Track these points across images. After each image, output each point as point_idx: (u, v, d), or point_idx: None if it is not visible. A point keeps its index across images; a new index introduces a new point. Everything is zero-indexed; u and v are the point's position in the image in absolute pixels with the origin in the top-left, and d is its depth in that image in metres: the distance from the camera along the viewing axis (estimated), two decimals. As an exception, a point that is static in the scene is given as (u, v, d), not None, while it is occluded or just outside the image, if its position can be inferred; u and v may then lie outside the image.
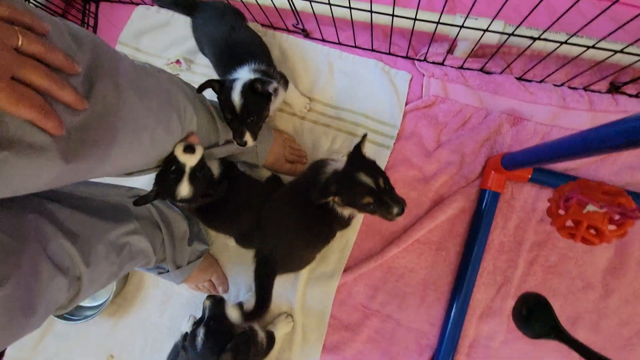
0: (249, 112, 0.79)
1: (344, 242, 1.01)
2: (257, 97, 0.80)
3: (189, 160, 0.70)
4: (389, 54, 1.06)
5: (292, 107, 1.06)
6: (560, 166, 0.93)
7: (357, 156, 0.72)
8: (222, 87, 0.80)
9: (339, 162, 0.76)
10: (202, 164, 0.73)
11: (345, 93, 1.07)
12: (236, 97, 0.78)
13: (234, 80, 0.80)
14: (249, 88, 0.79)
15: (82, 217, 0.68)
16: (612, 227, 0.54)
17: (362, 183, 0.68)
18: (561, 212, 0.57)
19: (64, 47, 0.43)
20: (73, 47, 0.45)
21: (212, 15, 0.98)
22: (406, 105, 1.03)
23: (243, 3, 1.05)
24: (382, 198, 0.68)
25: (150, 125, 0.57)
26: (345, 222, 0.80)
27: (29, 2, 1.16)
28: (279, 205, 0.86)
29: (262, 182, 1.00)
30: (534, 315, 0.58)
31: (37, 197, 0.62)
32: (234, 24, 0.95)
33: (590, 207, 0.53)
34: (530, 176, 0.91)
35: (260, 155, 0.96)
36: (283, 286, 1.03)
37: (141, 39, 1.23)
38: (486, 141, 0.98)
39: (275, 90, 0.84)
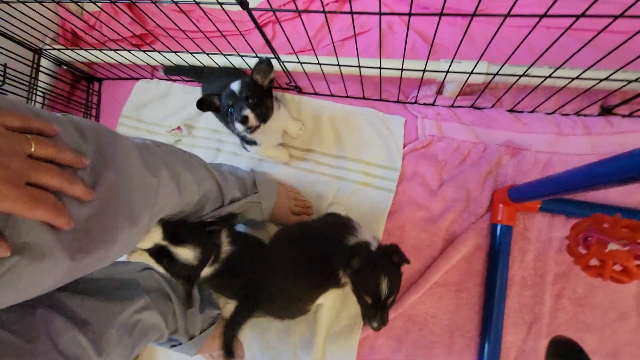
0: (250, 95, 0.84)
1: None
2: (259, 86, 0.87)
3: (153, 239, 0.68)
4: (381, 100, 1.10)
5: (288, 131, 1.09)
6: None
7: (390, 259, 0.70)
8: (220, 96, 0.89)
9: (373, 241, 0.76)
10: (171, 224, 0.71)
11: (343, 142, 1.09)
12: (235, 86, 0.85)
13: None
14: (250, 79, 0.87)
15: (93, 303, 0.66)
16: (639, 262, 0.52)
17: (378, 284, 0.66)
18: (582, 250, 0.55)
19: (71, 143, 0.45)
20: (79, 141, 0.46)
21: (220, 73, 1.08)
22: (404, 147, 1.04)
23: (236, 67, 1.10)
24: (378, 308, 0.67)
25: (149, 203, 0.57)
26: (339, 285, 0.78)
27: (37, 91, 1.23)
28: (284, 243, 0.87)
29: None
30: (573, 366, 0.54)
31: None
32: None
33: (613, 245, 0.51)
34: (540, 206, 0.90)
35: (265, 211, 0.96)
36: (299, 346, 0.98)
37: (143, 111, 1.29)
38: (489, 174, 0.98)
39: (272, 80, 0.89)
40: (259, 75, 0.89)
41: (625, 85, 0.81)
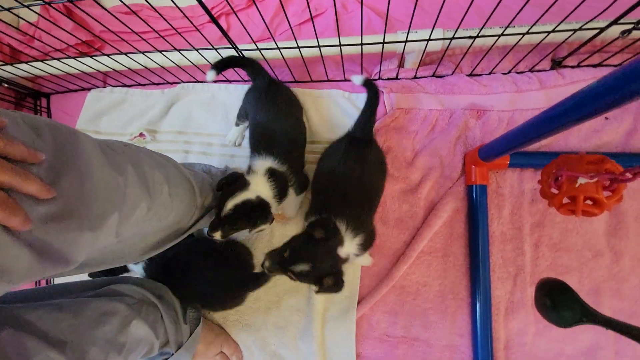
0: (231, 222, 0.78)
1: (352, 273, 0.97)
2: (245, 217, 0.78)
3: None
4: (345, 80, 1.10)
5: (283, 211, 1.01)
6: (533, 146, 0.96)
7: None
8: None
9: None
10: None
11: (314, 126, 1.08)
12: (228, 204, 0.77)
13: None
14: (242, 204, 0.77)
15: (68, 321, 0.61)
16: (607, 193, 0.55)
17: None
18: (554, 191, 0.57)
19: (23, 138, 0.41)
20: (32, 136, 0.42)
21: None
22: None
23: (194, 65, 1.06)
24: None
25: (117, 204, 0.54)
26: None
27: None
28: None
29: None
30: (560, 304, 0.56)
31: (9, 308, 0.55)
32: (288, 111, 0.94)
33: (581, 180, 0.54)
34: (509, 162, 0.93)
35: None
36: (298, 337, 0.96)
37: (99, 122, 1.22)
38: (458, 139, 1.00)
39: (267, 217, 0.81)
40: None
41: (571, 35, 0.86)
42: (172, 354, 0.89)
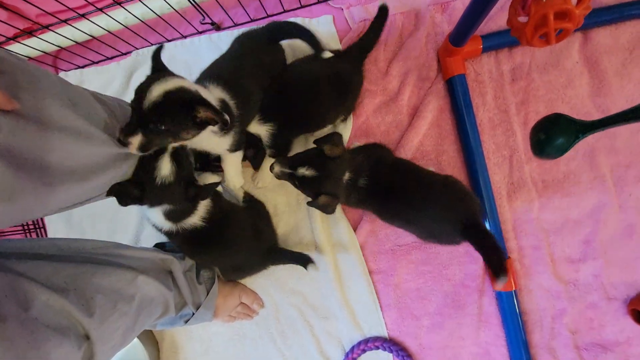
0: (159, 117, 0.58)
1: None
2: (180, 107, 0.60)
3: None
4: (302, 6, 1.05)
5: (226, 180, 0.94)
6: (501, 23, 0.93)
7: None
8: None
9: None
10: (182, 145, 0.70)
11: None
12: (154, 90, 0.57)
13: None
14: (176, 90, 0.59)
15: (70, 270, 0.59)
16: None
17: None
18: (523, 19, 0.55)
19: None
20: None
21: None
22: (341, 42, 1.01)
23: (142, 21, 1.01)
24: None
25: (83, 131, 0.51)
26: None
27: None
28: None
29: (243, 207, 0.95)
30: (553, 133, 0.55)
31: (2, 261, 0.53)
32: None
33: (547, -2, 0.51)
34: (481, 47, 0.91)
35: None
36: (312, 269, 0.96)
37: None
38: (428, 37, 0.98)
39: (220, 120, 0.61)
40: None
41: None
42: (193, 314, 0.89)
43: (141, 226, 1.08)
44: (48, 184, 0.45)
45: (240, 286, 1.02)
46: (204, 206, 0.79)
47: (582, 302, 0.89)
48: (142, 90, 0.58)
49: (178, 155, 0.69)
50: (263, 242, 0.91)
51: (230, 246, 0.85)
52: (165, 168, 0.67)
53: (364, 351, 0.94)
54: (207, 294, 0.92)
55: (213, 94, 0.71)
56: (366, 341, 0.94)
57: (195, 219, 0.78)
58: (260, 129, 0.86)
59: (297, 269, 0.92)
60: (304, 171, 0.73)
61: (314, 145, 0.75)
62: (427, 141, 0.96)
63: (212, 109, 0.61)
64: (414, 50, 0.97)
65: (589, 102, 0.91)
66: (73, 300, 0.54)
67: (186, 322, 0.90)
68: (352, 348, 0.95)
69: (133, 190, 0.66)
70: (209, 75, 0.77)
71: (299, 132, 0.93)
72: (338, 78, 0.84)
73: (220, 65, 0.83)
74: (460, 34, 0.82)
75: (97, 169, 0.55)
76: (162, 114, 0.58)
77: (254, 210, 0.96)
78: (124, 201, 0.65)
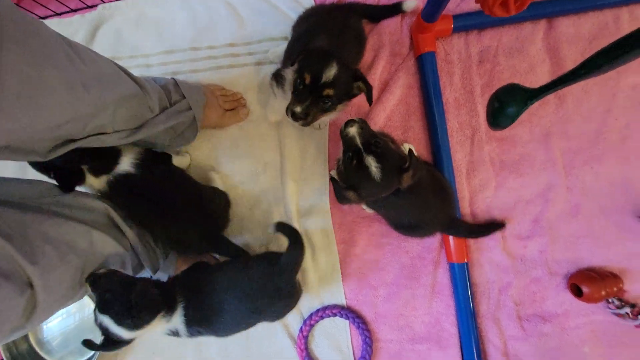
0: (335, 87, 0.68)
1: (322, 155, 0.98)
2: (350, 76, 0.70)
3: None
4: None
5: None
6: (473, 5, 0.95)
7: None
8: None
9: None
10: None
11: (244, 26, 1.04)
12: (330, 68, 0.66)
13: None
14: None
15: (15, 215, 0.57)
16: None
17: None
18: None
19: None
20: None
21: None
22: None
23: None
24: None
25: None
26: None
27: None
28: None
29: (204, 185, 0.92)
30: (505, 100, 0.58)
31: None
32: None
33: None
34: (452, 26, 0.93)
35: (197, 116, 0.88)
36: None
37: None
38: (404, 14, 0.98)
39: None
40: None
41: None
42: (151, 277, 0.87)
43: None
44: None
45: (204, 255, 1.01)
46: (129, 151, 0.80)
47: (527, 276, 0.94)
48: (305, 65, 0.69)
49: None
50: (210, 224, 0.87)
51: (169, 211, 0.81)
52: None
53: (322, 317, 0.96)
54: (165, 258, 0.91)
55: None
56: (324, 308, 0.97)
57: (125, 166, 0.78)
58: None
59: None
60: (372, 159, 0.66)
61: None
62: (394, 117, 0.98)
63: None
64: (390, 25, 0.98)
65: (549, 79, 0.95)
66: (17, 246, 0.52)
67: None
68: (311, 315, 0.97)
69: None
70: None
71: None
72: (358, 32, 0.85)
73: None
74: (432, 10, 0.83)
75: None
76: (341, 91, 0.70)
77: (214, 191, 0.94)
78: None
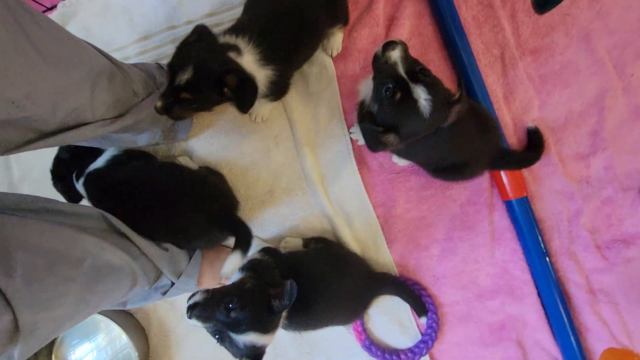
0: (189, 90, 0.61)
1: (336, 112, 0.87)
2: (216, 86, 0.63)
3: None
4: None
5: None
6: None
7: None
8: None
9: None
10: None
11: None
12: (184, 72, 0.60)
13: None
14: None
15: None
16: None
17: None
18: None
19: None
20: None
21: None
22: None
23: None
24: None
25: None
26: None
27: None
28: None
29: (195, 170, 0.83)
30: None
31: None
32: None
33: None
34: None
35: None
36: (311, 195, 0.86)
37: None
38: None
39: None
40: None
41: None
42: (173, 284, 0.76)
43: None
44: None
45: (226, 251, 0.90)
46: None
47: (597, 199, 0.82)
48: (177, 61, 0.62)
49: None
50: (214, 206, 0.76)
51: (166, 204, 0.71)
52: None
53: (374, 293, 0.85)
54: (190, 260, 0.80)
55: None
56: (375, 282, 0.85)
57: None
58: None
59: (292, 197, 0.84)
60: (422, 90, 0.55)
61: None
62: (411, 51, 0.86)
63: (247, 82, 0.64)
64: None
65: (576, -17, 0.83)
66: None
67: (164, 293, 0.78)
68: (361, 292, 0.85)
69: None
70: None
71: (297, 52, 0.76)
72: None
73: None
74: None
75: None
76: (194, 86, 0.62)
77: (208, 171, 0.85)
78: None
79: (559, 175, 0.82)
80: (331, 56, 0.87)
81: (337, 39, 0.83)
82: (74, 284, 0.52)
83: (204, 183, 0.78)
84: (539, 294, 0.82)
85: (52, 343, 0.91)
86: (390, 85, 0.57)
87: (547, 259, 0.81)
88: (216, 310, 0.53)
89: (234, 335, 0.53)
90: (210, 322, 0.53)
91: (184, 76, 0.60)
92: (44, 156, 0.96)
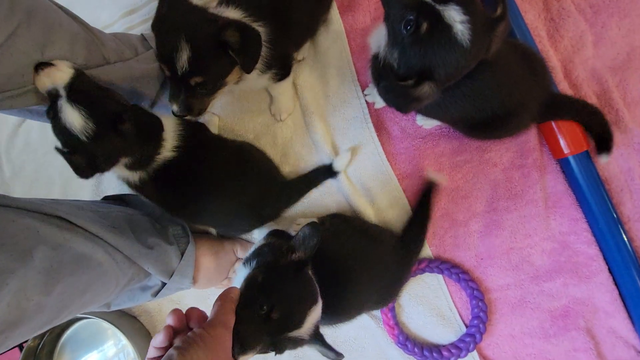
0: (197, 70, 0.53)
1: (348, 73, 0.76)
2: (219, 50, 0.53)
3: (56, 79, 0.49)
4: None
5: (274, 104, 0.77)
6: None
7: None
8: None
9: None
10: (84, 81, 0.52)
11: None
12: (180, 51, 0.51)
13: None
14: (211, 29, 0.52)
15: None
16: None
17: None
18: None
19: None
20: None
21: None
22: None
23: None
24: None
25: None
26: None
27: None
28: None
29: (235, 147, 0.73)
30: None
31: None
32: None
33: None
34: None
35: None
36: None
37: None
38: None
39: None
40: None
41: None
42: (165, 284, 0.66)
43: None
44: None
45: (231, 240, 0.80)
46: (171, 131, 0.61)
47: (676, 149, 0.67)
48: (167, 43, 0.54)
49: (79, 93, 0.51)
50: (273, 176, 0.71)
51: (215, 182, 0.64)
52: (72, 116, 0.50)
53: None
54: (182, 257, 0.69)
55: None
56: (406, 266, 0.72)
57: (166, 152, 0.60)
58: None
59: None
60: (455, 12, 0.42)
61: None
62: None
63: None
64: None
65: None
66: None
67: (155, 294, 0.67)
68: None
69: (79, 160, 0.53)
70: None
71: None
72: None
73: None
74: None
75: None
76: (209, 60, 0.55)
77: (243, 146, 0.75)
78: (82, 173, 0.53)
79: (625, 124, 0.67)
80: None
81: None
82: (16, 279, 0.42)
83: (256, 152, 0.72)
84: (610, 271, 0.67)
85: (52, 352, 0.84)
86: (412, 17, 0.44)
87: (620, 227, 0.66)
88: (261, 335, 0.42)
89: (291, 334, 0.43)
90: (261, 345, 0.43)
91: (183, 56, 0.52)
92: (36, 154, 0.92)
